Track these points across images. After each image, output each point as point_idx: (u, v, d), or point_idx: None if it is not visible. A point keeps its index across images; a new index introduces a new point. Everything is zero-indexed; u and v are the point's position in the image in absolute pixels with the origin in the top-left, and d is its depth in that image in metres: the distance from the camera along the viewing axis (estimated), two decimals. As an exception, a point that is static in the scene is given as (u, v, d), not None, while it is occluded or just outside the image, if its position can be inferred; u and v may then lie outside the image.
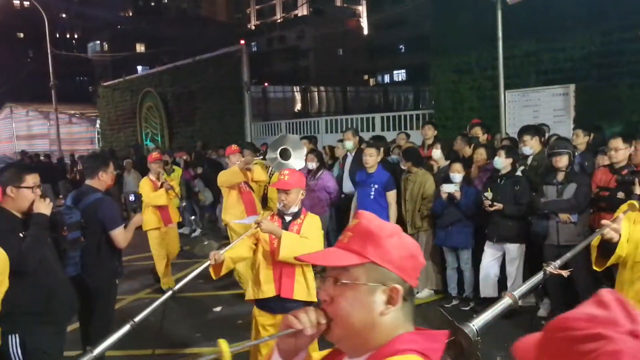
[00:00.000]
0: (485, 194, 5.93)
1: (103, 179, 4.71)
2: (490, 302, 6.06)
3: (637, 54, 7.84)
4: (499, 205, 5.79)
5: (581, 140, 6.74)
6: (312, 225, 3.93)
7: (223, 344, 1.29)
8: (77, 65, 54.46)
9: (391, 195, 6.60)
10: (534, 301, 6.31)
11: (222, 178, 6.66)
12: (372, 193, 6.57)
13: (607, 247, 3.07)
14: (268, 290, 3.96)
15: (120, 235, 4.59)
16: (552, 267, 2.53)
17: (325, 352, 1.44)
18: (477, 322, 1.96)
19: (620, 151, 5.24)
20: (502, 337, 5.45)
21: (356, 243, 1.32)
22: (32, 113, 28.20)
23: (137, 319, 2.27)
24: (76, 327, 5.30)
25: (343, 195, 7.83)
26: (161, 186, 7.71)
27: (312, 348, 1.43)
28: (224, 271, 3.88)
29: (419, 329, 1.32)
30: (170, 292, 2.73)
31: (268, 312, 3.93)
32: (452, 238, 6.30)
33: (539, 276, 2.65)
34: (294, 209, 3.99)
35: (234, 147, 7.59)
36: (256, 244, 4.07)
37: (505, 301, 2.18)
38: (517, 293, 2.22)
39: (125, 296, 7.29)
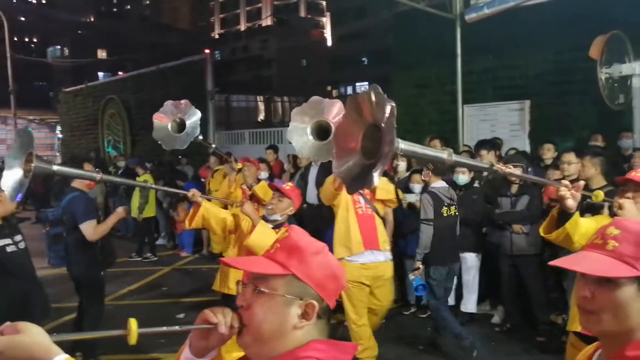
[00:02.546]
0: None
1: (79, 180, 4.99)
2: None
3: (587, 73, 8.22)
4: None
5: (551, 154, 7.02)
6: None
7: (133, 323, 1.29)
8: (36, 70, 53.29)
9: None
10: (489, 309, 6.55)
11: (322, 194, 4.90)
12: None
13: (564, 218, 2.89)
14: (234, 289, 4.09)
15: (89, 229, 4.80)
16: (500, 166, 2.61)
17: (236, 355, 1.47)
18: (405, 145, 1.86)
19: (572, 165, 5.50)
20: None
21: (282, 255, 1.35)
22: (-11, 118, 27.49)
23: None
24: (69, 318, 5.51)
25: (305, 205, 7.92)
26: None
27: (226, 350, 1.46)
28: (194, 224, 4.15)
29: (331, 341, 1.34)
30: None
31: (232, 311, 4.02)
32: (411, 247, 6.49)
33: (484, 165, 2.69)
34: (278, 217, 4.10)
35: None
36: (231, 232, 4.26)
37: (440, 152, 2.16)
38: (455, 157, 2.15)
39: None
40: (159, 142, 4.53)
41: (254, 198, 5.86)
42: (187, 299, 7.60)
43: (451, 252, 5.59)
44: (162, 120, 4.55)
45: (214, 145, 5.48)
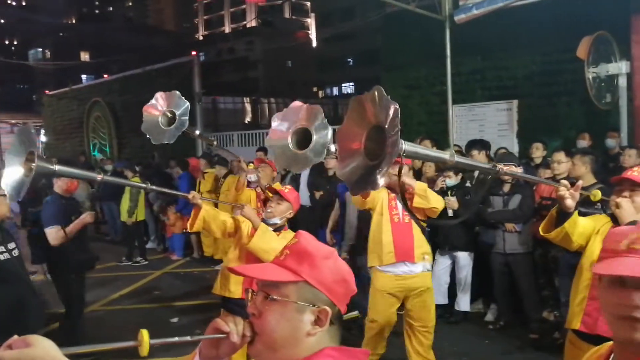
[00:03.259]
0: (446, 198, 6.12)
1: (58, 184, 5.20)
2: (442, 309, 6.31)
3: (574, 74, 8.32)
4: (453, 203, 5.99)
5: (540, 153, 7.12)
6: (288, 239, 3.90)
7: (144, 334, 1.26)
8: (17, 73, 52.77)
9: None
10: (482, 307, 6.61)
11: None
12: None
13: (563, 218, 2.96)
14: (236, 291, 4.06)
15: (50, 234, 4.96)
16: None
17: None
18: (409, 146, 1.84)
19: (562, 164, 5.59)
20: (452, 342, 5.75)
21: (292, 261, 1.34)
22: (-29, 122, 27.15)
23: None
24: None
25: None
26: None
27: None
28: (195, 227, 4.02)
29: (343, 348, 1.34)
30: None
31: (234, 313, 3.94)
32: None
33: (487, 166, 2.60)
34: (277, 220, 4.06)
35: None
36: (231, 235, 4.18)
37: (443, 153, 2.17)
38: (457, 157, 2.15)
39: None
40: (147, 136, 4.31)
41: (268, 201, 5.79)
42: (180, 302, 7.55)
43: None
44: (152, 112, 4.40)
45: (215, 143, 5.27)
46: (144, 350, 1.26)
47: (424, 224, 4.59)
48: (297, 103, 3.44)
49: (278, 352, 1.30)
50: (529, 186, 5.90)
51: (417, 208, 4.41)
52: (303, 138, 3.28)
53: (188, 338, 1.36)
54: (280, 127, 3.34)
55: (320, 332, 1.31)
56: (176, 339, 1.35)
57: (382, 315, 4.59)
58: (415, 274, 4.47)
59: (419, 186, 4.42)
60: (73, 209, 5.31)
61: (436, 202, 4.44)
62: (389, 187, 4.53)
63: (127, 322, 6.67)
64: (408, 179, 4.39)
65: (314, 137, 3.23)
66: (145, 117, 4.39)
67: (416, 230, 4.50)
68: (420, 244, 4.51)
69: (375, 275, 4.59)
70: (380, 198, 4.51)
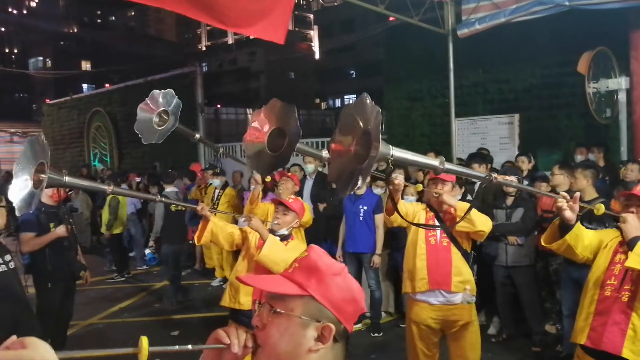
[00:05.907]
0: None
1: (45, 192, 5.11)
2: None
3: (574, 87, 8.40)
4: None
5: (525, 166, 7.19)
6: (297, 248, 3.92)
7: (144, 341, 1.25)
8: (16, 82, 52.77)
9: (379, 218, 6.28)
10: (484, 320, 6.61)
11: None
12: (362, 214, 6.38)
13: (565, 229, 2.93)
14: (246, 302, 4.06)
15: (24, 240, 4.99)
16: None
17: None
18: (398, 152, 1.84)
19: (555, 176, 5.63)
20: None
21: (300, 274, 1.32)
22: (-31, 131, 27.09)
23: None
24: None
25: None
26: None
27: None
28: (204, 240, 3.96)
29: None
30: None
31: (243, 325, 3.87)
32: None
33: (480, 174, 2.50)
34: (284, 231, 4.07)
35: None
36: (238, 246, 4.17)
37: (432, 160, 2.10)
38: (448, 165, 2.10)
39: (77, 322, 7.07)
40: (139, 135, 4.21)
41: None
42: (181, 315, 7.51)
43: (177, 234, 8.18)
44: (147, 111, 4.29)
45: (221, 150, 5.09)
46: (143, 358, 1.26)
47: (468, 249, 4.12)
48: (274, 101, 2.84)
49: None
50: (531, 200, 5.93)
51: (460, 231, 3.97)
52: (278, 140, 2.97)
53: (189, 347, 1.36)
54: (259, 126, 2.92)
55: (323, 349, 1.29)
56: (176, 347, 1.35)
57: (416, 352, 4.15)
58: (453, 304, 4.01)
59: (461, 206, 3.93)
60: (53, 217, 5.21)
61: (482, 225, 3.86)
62: (428, 205, 4.17)
63: (127, 336, 6.56)
64: (449, 198, 3.92)
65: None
66: (139, 116, 4.27)
67: (456, 256, 4.01)
68: (460, 271, 4.00)
69: (408, 304, 4.22)
70: (416, 215, 4.06)
